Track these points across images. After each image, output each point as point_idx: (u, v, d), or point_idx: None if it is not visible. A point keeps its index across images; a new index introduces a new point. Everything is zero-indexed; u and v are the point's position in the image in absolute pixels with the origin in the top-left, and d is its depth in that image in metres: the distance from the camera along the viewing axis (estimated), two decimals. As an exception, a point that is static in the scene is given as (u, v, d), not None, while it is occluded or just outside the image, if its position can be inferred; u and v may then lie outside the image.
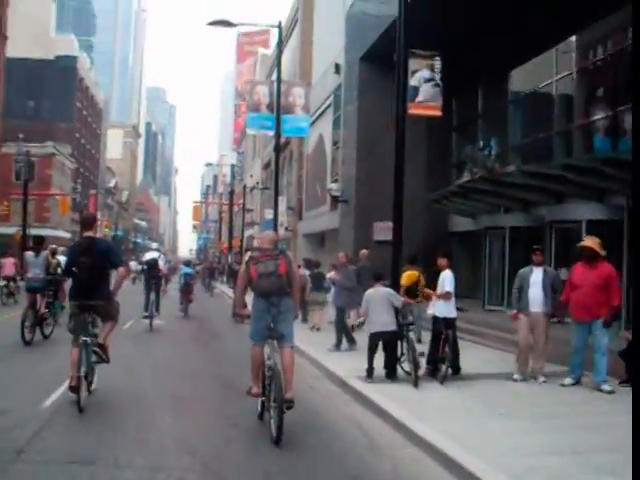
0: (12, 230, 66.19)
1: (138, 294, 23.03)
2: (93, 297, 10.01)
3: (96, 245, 10.27)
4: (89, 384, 10.14)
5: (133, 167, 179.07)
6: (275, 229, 26.35)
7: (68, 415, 9.56)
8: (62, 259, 18.42)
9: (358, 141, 30.56)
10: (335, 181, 33.88)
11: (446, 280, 13.07)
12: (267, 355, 9.00)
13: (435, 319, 13.14)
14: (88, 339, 9.89)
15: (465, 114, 29.87)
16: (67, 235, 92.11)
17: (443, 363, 12.70)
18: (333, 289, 18.99)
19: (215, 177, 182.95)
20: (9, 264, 28.58)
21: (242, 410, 9.96)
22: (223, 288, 47.27)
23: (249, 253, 9.36)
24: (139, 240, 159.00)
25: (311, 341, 17.60)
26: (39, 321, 16.98)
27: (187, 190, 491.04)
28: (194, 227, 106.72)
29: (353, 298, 17.22)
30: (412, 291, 16.46)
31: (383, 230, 29.50)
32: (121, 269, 10.62)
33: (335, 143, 36.54)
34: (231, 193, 59.04)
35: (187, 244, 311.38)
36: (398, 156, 13.32)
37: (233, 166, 62.08)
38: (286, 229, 46.89)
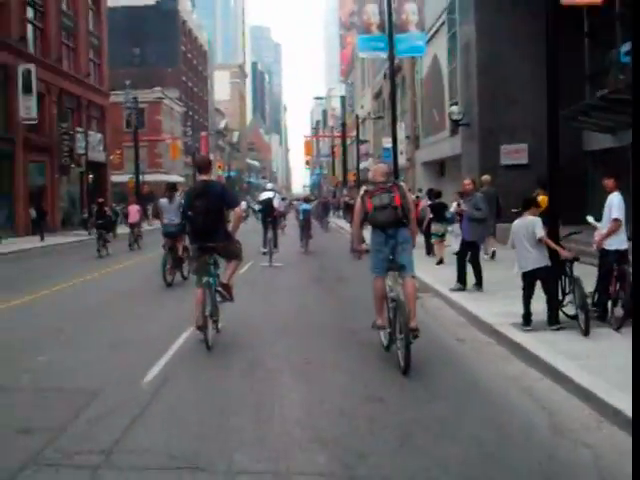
0: (126, 178, 65.93)
1: (251, 233, 23.68)
2: (212, 239, 10.02)
3: (211, 188, 10.21)
4: (215, 322, 10.27)
5: (242, 107, 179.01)
6: (394, 158, 24.53)
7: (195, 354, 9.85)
8: None
9: (478, 59, 28.05)
10: (455, 104, 31.41)
11: (614, 205, 10.67)
12: (389, 287, 9.04)
13: (603, 252, 10.85)
14: (210, 279, 10.03)
15: (599, 16, 26.86)
16: (181, 179, 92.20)
17: (615, 305, 10.54)
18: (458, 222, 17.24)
19: (324, 112, 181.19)
20: (133, 212, 30.06)
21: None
22: (340, 223, 45.66)
23: (363, 187, 9.28)
24: (252, 180, 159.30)
25: (441, 279, 15.94)
26: (178, 263, 17.58)
27: (297, 127, 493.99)
28: (306, 163, 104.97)
29: (484, 230, 15.80)
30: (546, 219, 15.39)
31: (511, 153, 27.28)
32: (237, 210, 10.48)
33: (452, 62, 33.91)
34: (343, 125, 56.87)
35: (300, 180, 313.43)
36: (550, 60, 10.93)
37: (343, 98, 59.77)
38: (407, 159, 44.76)
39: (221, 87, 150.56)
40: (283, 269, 21.04)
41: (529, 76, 26.66)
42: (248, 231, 16.31)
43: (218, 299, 10.28)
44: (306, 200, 31.26)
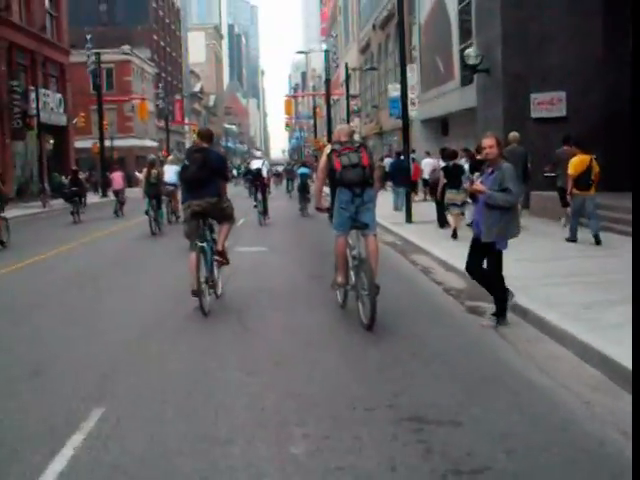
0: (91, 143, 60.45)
1: (237, 197, 23.24)
2: (204, 194, 9.88)
3: (211, 152, 10.35)
4: (212, 287, 10.19)
5: (218, 70, 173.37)
6: (404, 110, 20.20)
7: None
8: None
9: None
10: (468, 47, 26.29)
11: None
12: (352, 245, 9.29)
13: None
14: (205, 245, 10.01)
15: None
16: (154, 144, 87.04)
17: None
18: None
19: (303, 74, 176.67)
20: (117, 178, 29.69)
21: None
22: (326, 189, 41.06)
23: (329, 146, 9.51)
24: (230, 144, 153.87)
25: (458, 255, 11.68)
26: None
27: (275, 91, 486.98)
28: (286, 125, 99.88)
29: (511, 224, 8.96)
30: (583, 181, 14.57)
31: (544, 104, 22.36)
32: (225, 183, 10.67)
33: (464, -2, 28.78)
34: (327, 81, 51.40)
35: (279, 145, 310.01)
36: None
37: (327, 52, 54.28)
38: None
39: (196, 49, 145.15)
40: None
41: (566, 8, 21.76)
42: (233, 195, 14.80)
43: (216, 266, 10.32)
44: (303, 164, 33.29)
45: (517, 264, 10.76)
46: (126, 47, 78.67)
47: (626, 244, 9.33)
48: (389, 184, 28.61)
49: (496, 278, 8.60)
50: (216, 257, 10.22)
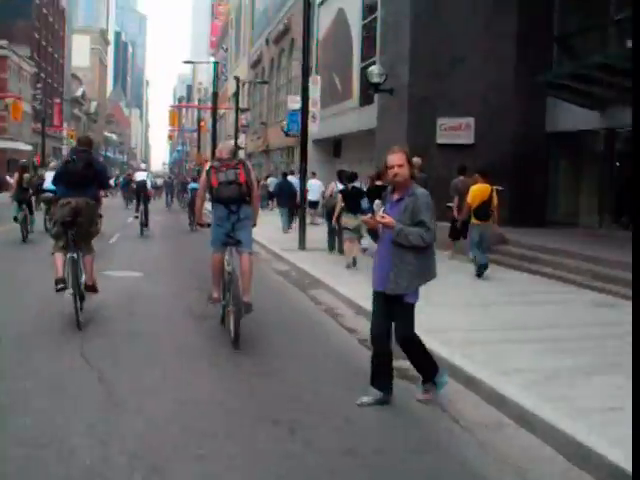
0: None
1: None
2: (85, 194, 9.82)
3: (93, 158, 10.41)
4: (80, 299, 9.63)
5: (102, 77, 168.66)
6: (303, 124, 18.23)
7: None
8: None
9: (414, 3, 21.51)
10: (370, 64, 24.76)
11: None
12: (226, 261, 9.20)
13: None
14: (75, 255, 9.72)
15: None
16: (28, 147, 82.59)
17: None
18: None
19: (189, 87, 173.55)
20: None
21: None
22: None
23: (209, 163, 9.91)
24: (109, 154, 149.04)
25: (361, 292, 10.54)
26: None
27: (159, 103, 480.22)
28: (169, 137, 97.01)
29: (425, 271, 7.28)
30: (483, 210, 14.31)
31: (452, 129, 21.03)
32: (102, 192, 10.81)
33: (368, 14, 27.24)
34: (214, 95, 49.23)
35: (160, 157, 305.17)
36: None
37: (216, 63, 52.08)
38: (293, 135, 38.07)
39: (80, 53, 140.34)
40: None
41: (481, 29, 20.50)
42: (110, 207, 16.48)
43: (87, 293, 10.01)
44: (194, 180, 32.12)
45: (436, 311, 9.11)
46: (3, 42, 74.40)
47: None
48: (272, 204, 28.50)
49: (415, 344, 6.59)
50: (87, 292, 10.00)
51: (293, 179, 28.80)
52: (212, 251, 9.23)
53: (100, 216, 10.55)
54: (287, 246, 19.08)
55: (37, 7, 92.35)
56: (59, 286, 9.39)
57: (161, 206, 41.16)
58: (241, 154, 60.71)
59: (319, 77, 20.59)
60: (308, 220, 28.57)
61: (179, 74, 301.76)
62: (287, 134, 24.52)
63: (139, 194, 25.65)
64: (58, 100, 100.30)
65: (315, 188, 29.29)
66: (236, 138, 38.28)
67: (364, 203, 15.70)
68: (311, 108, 18.06)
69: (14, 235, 19.93)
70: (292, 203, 24.91)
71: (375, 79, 22.34)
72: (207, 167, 9.29)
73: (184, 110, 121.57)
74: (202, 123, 74.58)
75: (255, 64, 52.93)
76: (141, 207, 24.77)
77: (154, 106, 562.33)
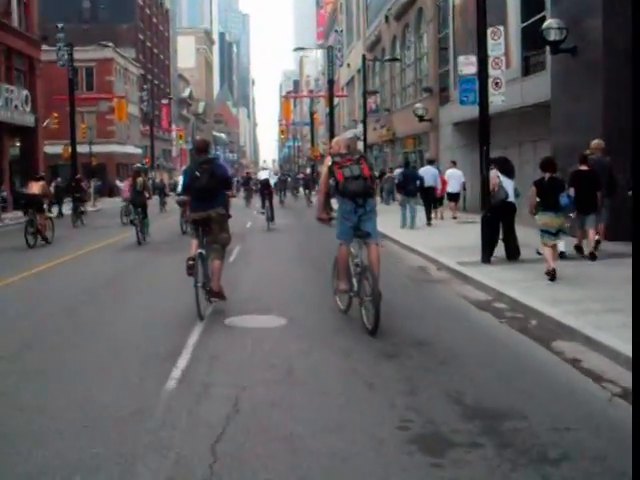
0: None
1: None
2: (211, 206, 10.22)
3: (216, 162, 10.83)
4: (208, 292, 10.26)
5: (208, 77, 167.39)
6: (482, 95, 13.33)
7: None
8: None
9: None
10: (538, 22, 19.82)
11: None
12: (354, 254, 9.45)
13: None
14: (203, 251, 10.24)
15: None
16: (138, 151, 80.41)
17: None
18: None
19: (295, 83, 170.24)
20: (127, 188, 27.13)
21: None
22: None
23: (330, 158, 9.51)
24: (219, 152, 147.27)
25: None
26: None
27: (265, 101, 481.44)
28: (281, 132, 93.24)
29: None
30: None
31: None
32: (229, 192, 11.17)
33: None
34: (330, 82, 45.01)
35: (269, 155, 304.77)
36: None
37: (330, 48, 47.78)
38: (429, 120, 33.34)
39: (186, 54, 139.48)
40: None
41: None
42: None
43: (212, 300, 10.44)
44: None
45: None
46: (109, 44, 72.21)
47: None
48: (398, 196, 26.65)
49: None
50: (212, 299, 10.41)
51: (431, 169, 25.35)
52: (339, 244, 9.46)
53: (229, 216, 10.86)
54: (463, 257, 14.52)
55: (141, 9, 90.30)
56: (189, 262, 9.88)
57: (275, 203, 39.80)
58: (360, 146, 56.35)
59: (501, 28, 15.53)
60: (448, 215, 26.03)
61: (284, 71, 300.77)
62: (462, 103, 19.51)
63: (263, 192, 27.00)
64: (165, 101, 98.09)
65: (455, 178, 25.94)
66: (365, 125, 33.61)
67: (564, 199, 12.40)
68: (493, 71, 13.37)
69: (130, 239, 21.40)
70: (426, 194, 24.19)
71: (553, 36, 17.42)
72: (329, 162, 9.42)
73: (293, 105, 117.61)
74: (315, 115, 70.70)
75: (373, 46, 48.09)
76: (267, 204, 26.29)
77: (260, 104, 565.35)
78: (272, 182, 27.75)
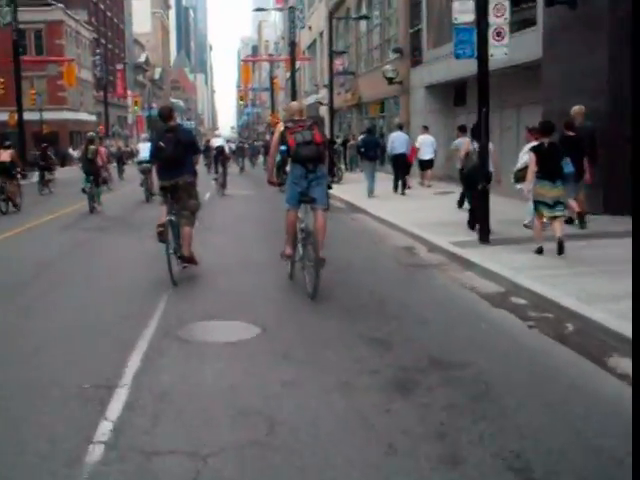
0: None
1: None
2: (180, 173, 10.24)
3: (182, 129, 10.95)
4: (179, 258, 10.42)
5: (165, 42, 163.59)
6: (481, 44, 11.33)
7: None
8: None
9: None
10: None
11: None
12: (301, 219, 9.48)
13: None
14: (173, 218, 10.27)
15: None
16: (92, 118, 77.39)
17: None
18: None
19: (254, 48, 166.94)
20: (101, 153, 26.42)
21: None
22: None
23: (281, 124, 9.78)
24: (177, 120, 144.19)
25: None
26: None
27: (223, 68, 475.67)
28: (240, 98, 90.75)
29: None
30: None
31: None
32: (196, 156, 11.03)
33: None
34: (292, 45, 42.63)
35: (228, 122, 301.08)
36: None
37: (292, 9, 45.35)
38: (399, 82, 31.35)
39: (141, 18, 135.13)
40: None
41: None
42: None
43: (182, 265, 10.49)
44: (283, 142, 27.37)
45: None
46: (59, 6, 68.81)
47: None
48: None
49: None
50: (184, 264, 10.49)
51: (401, 134, 24.00)
52: (287, 208, 9.46)
53: (197, 195, 10.82)
54: (446, 234, 12.78)
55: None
56: (159, 229, 10.15)
57: (235, 170, 42.31)
58: (322, 111, 54.08)
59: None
60: (415, 182, 25.19)
61: (242, 37, 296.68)
62: (458, 57, 17.35)
63: (217, 159, 27.90)
64: (120, 67, 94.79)
65: (428, 145, 24.35)
66: (331, 88, 31.38)
67: (568, 166, 11.68)
68: (494, 19, 11.35)
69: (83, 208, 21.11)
70: (397, 161, 23.31)
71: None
72: (281, 128, 9.44)
73: (252, 71, 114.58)
74: (275, 80, 68.31)
75: (337, 7, 45.46)
76: (220, 170, 27.40)
77: (218, 71, 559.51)
78: (226, 149, 28.80)
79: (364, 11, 38.70)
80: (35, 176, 31.30)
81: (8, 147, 23.06)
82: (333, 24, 34.24)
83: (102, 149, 28.56)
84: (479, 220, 12.24)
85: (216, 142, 29.06)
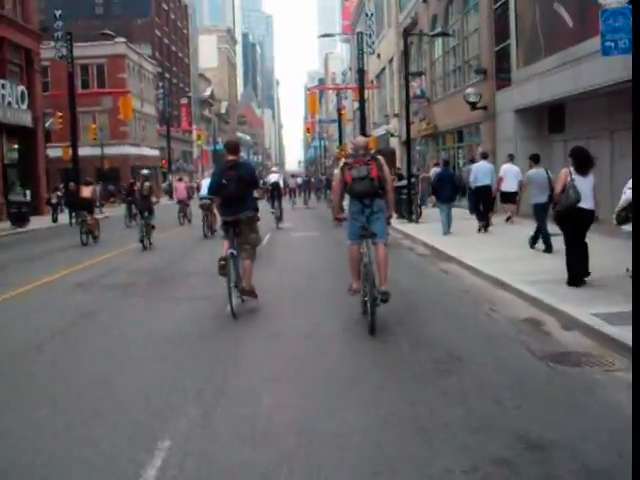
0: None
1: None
2: (241, 209, 10.55)
3: (242, 164, 11.07)
4: (240, 291, 10.71)
5: (231, 77, 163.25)
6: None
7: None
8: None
9: None
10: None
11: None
12: (363, 254, 9.39)
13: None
14: (234, 251, 10.57)
15: None
16: (154, 153, 75.71)
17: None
18: None
19: (320, 81, 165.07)
20: (181, 188, 31.78)
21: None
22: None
23: (343, 160, 10.13)
24: (243, 154, 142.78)
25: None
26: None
27: (290, 103, 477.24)
28: (307, 130, 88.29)
29: None
30: None
31: None
32: (256, 191, 11.71)
33: None
34: (361, 72, 39.69)
35: (295, 157, 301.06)
36: None
37: (361, 34, 42.39)
38: (483, 108, 27.96)
39: (207, 53, 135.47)
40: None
41: None
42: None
43: (242, 298, 10.84)
44: None
45: None
46: (120, 39, 67.32)
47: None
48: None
49: None
50: (244, 297, 10.85)
51: (486, 164, 21.42)
52: (349, 243, 9.60)
53: (258, 219, 11.13)
54: (585, 298, 9.45)
55: (157, 3, 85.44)
56: (220, 263, 10.26)
57: (301, 204, 45.94)
58: (393, 143, 50.95)
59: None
60: (500, 218, 22.54)
61: (308, 71, 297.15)
62: (607, 53, 14.19)
63: (273, 193, 29.08)
64: (185, 101, 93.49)
65: (512, 175, 20.99)
66: (408, 112, 28.01)
67: None
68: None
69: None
70: (480, 194, 21.06)
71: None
72: (341, 164, 9.76)
73: (319, 102, 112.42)
74: (342, 111, 65.45)
75: (409, 30, 42.77)
76: (276, 204, 28.87)
77: (286, 106, 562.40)
78: (282, 184, 31.46)
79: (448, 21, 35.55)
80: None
81: (89, 184, 24.51)
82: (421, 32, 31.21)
83: (182, 184, 32.53)
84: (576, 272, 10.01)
85: (272, 178, 30.69)
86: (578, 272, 10.95)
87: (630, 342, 7.45)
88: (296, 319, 10.06)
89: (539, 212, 15.64)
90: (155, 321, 10.31)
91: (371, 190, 9.12)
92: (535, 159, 16.54)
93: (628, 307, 8.82)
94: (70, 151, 40.56)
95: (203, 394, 6.57)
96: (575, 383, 6.67)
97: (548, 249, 15.23)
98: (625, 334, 7.66)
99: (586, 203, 10.77)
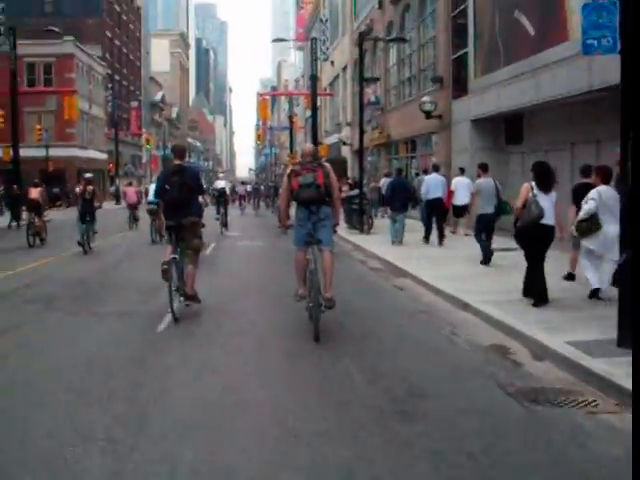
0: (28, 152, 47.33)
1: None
2: (185, 214, 10.53)
3: (187, 169, 11.01)
4: (182, 296, 10.67)
5: (183, 82, 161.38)
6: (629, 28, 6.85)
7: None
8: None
9: None
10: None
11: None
12: (309, 260, 9.38)
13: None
14: (177, 256, 10.59)
15: None
16: (102, 156, 73.95)
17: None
18: None
19: (274, 88, 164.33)
20: (131, 193, 29.84)
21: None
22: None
23: (290, 167, 10.14)
24: (194, 160, 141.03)
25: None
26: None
27: (243, 110, 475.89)
28: (258, 137, 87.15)
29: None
30: None
31: None
32: (201, 198, 11.30)
33: None
34: (313, 78, 38.78)
35: (245, 163, 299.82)
36: None
37: (315, 40, 41.45)
38: (438, 117, 27.13)
39: (160, 57, 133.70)
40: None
41: None
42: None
43: (185, 303, 10.80)
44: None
45: None
46: (69, 38, 65.49)
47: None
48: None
49: None
50: (187, 302, 10.78)
51: (437, 177, 21.02)
52: (295, 250, 9.60)
53: (203, 226, 11.21)
54: (554, 322, 8.61)
55: (108, 4, 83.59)
56: (163, 267, 10.05)
57: (250, 211, 46.12)
58: (345, 152, 50.18)
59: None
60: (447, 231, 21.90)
61: (261, 79, 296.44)
62: (587, 52, 13.23)
63: (219, 199, 30.14)
64: (135, 104, 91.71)
65: (463, 188, 21.15)
66: (361, 120, 27.07)
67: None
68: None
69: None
70: (432, 207, 20.39)
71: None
72: (288, 171, 9.73)
73: (270, 109, 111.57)
74: (294, 119, 64.59)
75: (365, 36, 41.94)
76: (222, 210, 29.27)
77: (238, 113, 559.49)
78: (228, 191, 32.68)
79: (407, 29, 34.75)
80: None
81: (37, 185, 24.68)
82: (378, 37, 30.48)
83: (131, 189, 30.87)
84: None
85: (219, 184, 31.86)
86: (543, 291, 10.40)
87: (618, 380, 6.58)
88: (239, 334, 9.54)
89: (481, 223, 15.38)
90: (71, 342, 9.05)
91: (317, 197, 9.21)
92: (483, 168, 16.23)
93: (604, 334, 7.96)
94: (11, 151, 38.83)
95: (114, 441, 5.45)
96: (556, 430, 5.74)
97: (486, 261, 15.16)
98: (612, 370, 6.74)
99: (547, 219, 10.34)
